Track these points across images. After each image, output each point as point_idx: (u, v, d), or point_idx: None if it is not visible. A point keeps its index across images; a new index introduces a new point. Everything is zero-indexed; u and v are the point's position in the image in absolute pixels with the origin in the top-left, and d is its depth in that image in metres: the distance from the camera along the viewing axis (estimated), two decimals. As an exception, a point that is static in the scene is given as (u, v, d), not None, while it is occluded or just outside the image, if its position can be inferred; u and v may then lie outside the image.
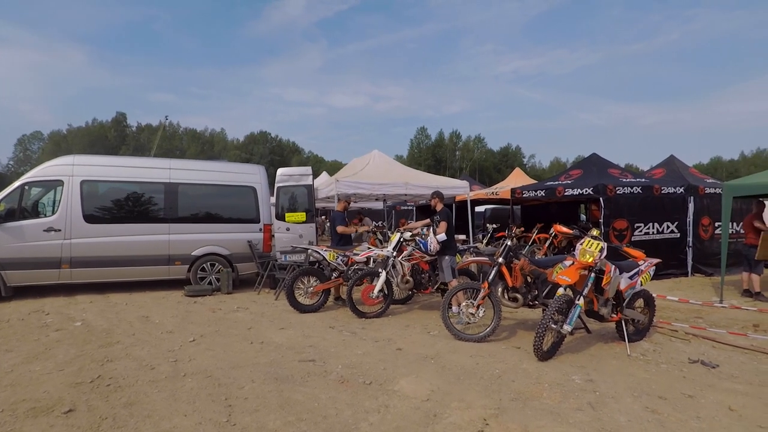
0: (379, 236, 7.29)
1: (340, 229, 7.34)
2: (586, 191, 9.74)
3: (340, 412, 3.30)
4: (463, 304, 5.27)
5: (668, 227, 9.65)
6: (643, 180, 10.17)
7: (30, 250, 7.26)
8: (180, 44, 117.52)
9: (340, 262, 6.80)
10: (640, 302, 5.26)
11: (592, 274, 4.54)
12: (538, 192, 11.39)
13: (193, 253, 8.27)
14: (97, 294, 7.76)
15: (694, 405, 3.54)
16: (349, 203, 7.79)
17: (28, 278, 7.31)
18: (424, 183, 9.17)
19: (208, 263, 8.44)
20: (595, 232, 10.16)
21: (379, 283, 6.26)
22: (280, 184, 9.37)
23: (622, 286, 4.81)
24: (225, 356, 4.60)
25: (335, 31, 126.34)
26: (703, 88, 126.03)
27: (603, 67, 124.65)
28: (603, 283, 4.47)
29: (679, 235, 9.76)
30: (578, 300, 4.46)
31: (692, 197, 9.85)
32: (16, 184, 7.35)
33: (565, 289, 4.73)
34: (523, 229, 6.17)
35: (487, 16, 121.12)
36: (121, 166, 8.20)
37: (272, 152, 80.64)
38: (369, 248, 7.06)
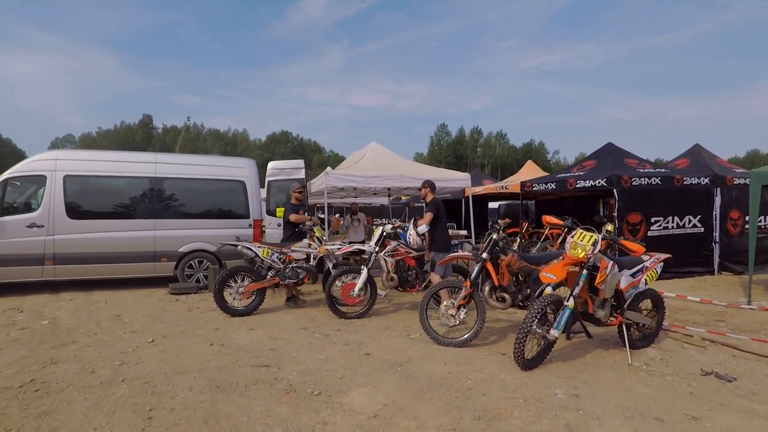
0: (317, 232, 6.70)
1: (293, 217, 6.83)
2: (599, 183, 9.00)
3: (268, 430, 2.85)
4: (444, 304, 4.75)
5: (690, 221, 8.80)
6: (663, 170, 9.33)
7: (13, 247, 7.12)
8: (204, 47, 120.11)
9: (276, 260, 6.33)
10: (646, 303, 4.62)
11: (584, 271, 3.95)
12: (548, 185, 10.67)
13: (179, 250, 8.00)
14: (82, 291, 7.57)
15: (697, 431, 2.93)
16: (300, 191, 7.26)
17: (10, 275, 7.17)
18: (421, 175, 8.60)
19: (196, 260, 8.16)
20: (609, 227, 9.44)
21: (360, 280, 5.80)
22: (271, 178, 9.02)
23: (623, 285, 4.18)
24: (175, 359, 4.23)
25: (356, 30, 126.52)
26: (738, 79, 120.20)
27: (630, 60, 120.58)
28: (596, 281, 3.87)
29: (703, 229, 8.89)
30: (568, 301, 3.88)
31: (719, 188, 8.96)
32: (-2, 179, 7.23)
33: (554, 289, 4.16)
34: (509, 221, 5.53)
35: (510, 10, 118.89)
36: (105, 160, 7.98)
37: (293, 152, 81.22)
38: (309, 245, 6.55)
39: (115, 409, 3.17)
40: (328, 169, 8.85)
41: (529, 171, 14.25)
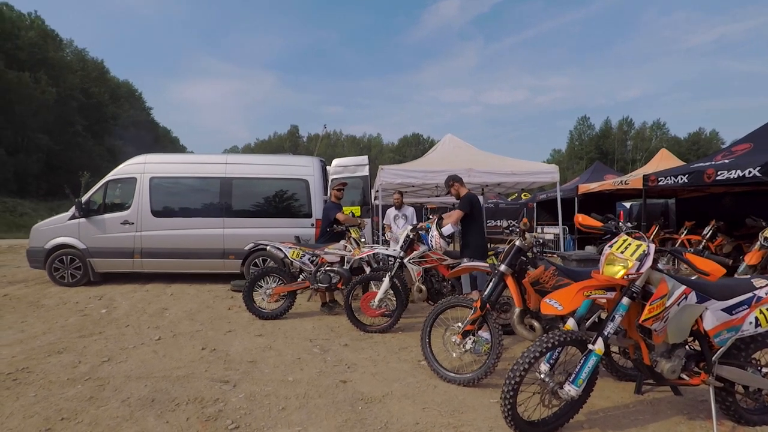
0: (353, 234, 5.88)
1: (341, 216, 6.17)
2: (749, 173, 6.54)
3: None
4: (449, 328, 3.69)
5: None
6: None
7: (110, 241, 8.09)
8: (347, 59, 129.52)
9: (307, 262, 5.71)
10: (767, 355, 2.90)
11: (625, 299, 2.56)
12: (679, 178, 8.23)
13: (246, 248, 8.19)
14: (164, 283, 8.26)
15: None
16: (341, 188, 6.52)
17: (109, 266, 8.17)
18: (494, 168, 7.31)
19: (260, 258, 8.26)
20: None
21: (381, 290, 5.01)
22: (335, 176, 8.65)
23: (709, 325, 2.64)
24: (156, 362, 4.06)
25: (491, 26, 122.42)
26: None
27: None
28: (642, 318, 2.45)
29: None
30: (594, 344, 2.55)
31: None
32: (102, 181, 8.30)
33: (581, 323, 2.82)
34: (526, 221, 4.09)
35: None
36: (184, 162, 8.61)
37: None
38: (345, 247, 5.79)
39: (40, 411, 3.02)
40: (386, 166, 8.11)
41: (663, 161, 11.38)
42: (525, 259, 3.51)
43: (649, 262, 2.49)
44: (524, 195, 24.14)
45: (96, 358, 4.16)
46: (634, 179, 9.84)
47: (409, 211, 7.04)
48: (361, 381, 3.61)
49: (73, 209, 8.14)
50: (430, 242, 4.69)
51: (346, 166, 8.72)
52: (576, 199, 12.57)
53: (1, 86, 34.95)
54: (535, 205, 16.82)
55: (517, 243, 3.47)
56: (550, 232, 11.86)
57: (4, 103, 35.46)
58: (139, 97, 64.63)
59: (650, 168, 11.25)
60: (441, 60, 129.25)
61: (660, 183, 8.78)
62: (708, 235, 8.72)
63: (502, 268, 3.48)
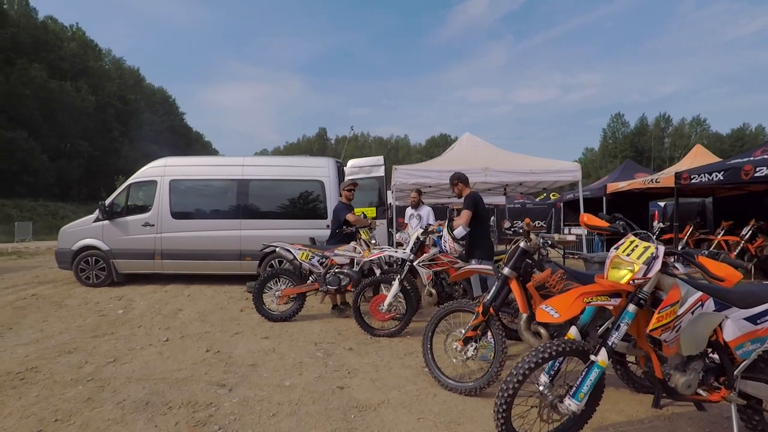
0: (363, 236, 5.74)
1: (351, 217, 6.07)
2: (791, 168, 6.05)
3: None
4: (451, 336, 3.52)
5: None
6: None
7: (133, 243, 8.29)
8: (373, 61, 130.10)
9: (316, 264, 5.62)
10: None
11: (631, 307, 2.33)
12: (714, 175, 7.72)
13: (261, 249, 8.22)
14: (183, 284, 8.40)
15: None
16: (351, 189, 6.41)
17: (132, 267, 8.38)
18: (511, 167, 7.02)
19: (277, 260, 8.28)
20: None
21: (390, 294, 4.88)
22: (350, 177, 8.59)
23: (729, 336, 2.38)
24: (159, 363, 4.07)
25: (521, 23, 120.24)
26: None
27: None
28: (649, 327, 2.22)
29: None
30: (597, 354, 2.34)
31: None
32: (124, 184, 8.53)
33: (589, 331, 2.60)
34: (529, 221, 3.81)
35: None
36: (202, 165, 8.75)
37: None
38: (355, 249, 5.66)
39: (37, 412, 3.06)
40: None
41: (697, 158, 10.72)
42: (530, 261, 3.30)
43: (657, 266, 2.25)
44: (552, 195, 23.36)
45: (102, 358, 4.21)
46: (665, 177, 9.31)
47: (425, 210, 6.86)
48: (359, 387, 3.49)
49: (97, 212, 8.40)
50: (444, 246, 4.52)
51: (362, 166, 8.64)
52: (604, 198, 12.05)
53: (44, 96, 36.86)
54: (562, 205, 16.26)
55: (521, 245, 3.27)
56: (575, 234, 11.42)
57: (48, 112, 37.40)
58: (172, 103, 66.94)
59: (684, 165, 10.64)
60: (469, 59, 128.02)
61: (693, 181, 8.28)
62: (747, 236, 8.14)
63: (506, 271, 3.28)
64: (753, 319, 2.41)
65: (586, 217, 2.79)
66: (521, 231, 3.29)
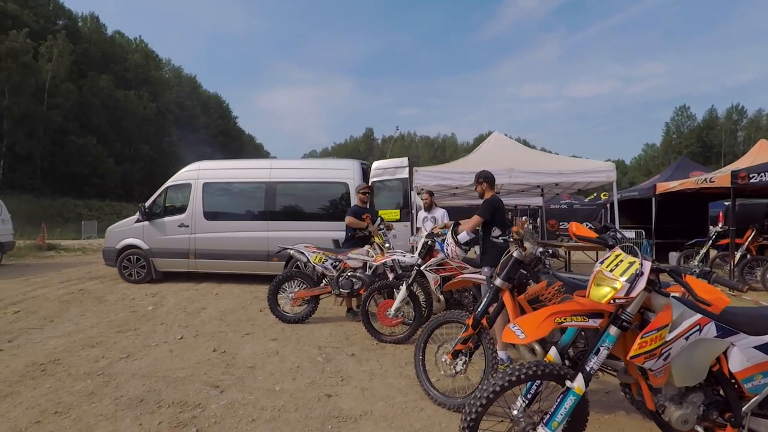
0: (377, 239, 5.63)
1: (349, 220, 6.02)
2: None
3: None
4: (441, 348, 3.37)
5: None
6: None
7: (170, 242, 8.74)
8: (421, 60, 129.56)
9: (329, 267, 5.57)
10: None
11: (612, 329, 2.10)
12: (773, 174, 6.96)
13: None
14: (216, 283, 8.74)
15: None
16: (366, 191, 6.41)
17: (169, 265, 8.83)
18: (538, 168, 6.64)
19: (302, 262, 8.39)
20: None
21: (398, 299, 4.79)
22: (375, 179, 8.55)
23: (737, 367, 2.09)
24: (166, 361, 4.23)
25: (575, 14, 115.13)
26: None
27: None
28: (629, 354, 1.97)
29: None
30: (573, 381, 2.12)
31: None
32: (162, 187, 9.00)
33: (570, 353, 2.38)
34: (525, 220, 3.50)
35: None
36: (233, 168, 9.05)
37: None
38: (368, 252, 5.56)
39: (43, 403, 3.26)
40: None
41: (760, 155, 9.66)
42: (525, 272, 3.09)
43: (641, 284, 2.01)
44: (603, 195, 22.08)
45: (118, 353, 4.44)
46: (721, 176, 8.49)
47: (439, 213, 6.69)
48: (347, 396, 3.44)
49: (138, 213, 8.92)
50: (446, 249, 4.35)
51: (386, 168, 8.56)
52: (653, 199, 11.19)
53: (111, 104, 39.93)
54: (608, 206, 15.31)
55: (515, 254, 3.06)
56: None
57: (114, 119, 40.49)
58: (226, 107, 70.23)
59: (745, 162, 9.65)
60: (519, 55, 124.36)
61: (752, 180, 7.54)
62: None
63: (498, 282, 3.09)
64: (765, 348, 2.10)
65: (574, 227, 2.56)
66: (512, 239, 3.08)
